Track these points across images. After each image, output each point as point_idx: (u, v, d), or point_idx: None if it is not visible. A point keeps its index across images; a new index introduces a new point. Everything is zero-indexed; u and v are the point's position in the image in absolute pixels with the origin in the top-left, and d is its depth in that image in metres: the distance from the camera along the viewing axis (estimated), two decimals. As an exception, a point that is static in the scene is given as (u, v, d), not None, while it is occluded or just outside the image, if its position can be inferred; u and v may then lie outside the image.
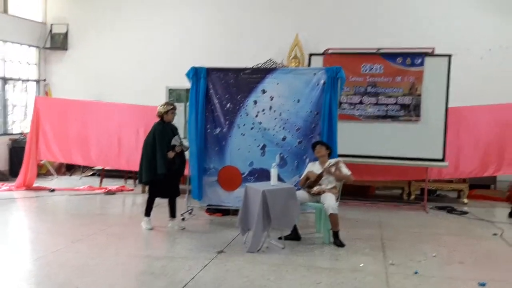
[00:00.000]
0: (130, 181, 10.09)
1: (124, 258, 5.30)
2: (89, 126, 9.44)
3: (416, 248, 5.85)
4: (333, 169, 6.07)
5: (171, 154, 6.29)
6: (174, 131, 6.53)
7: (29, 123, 9.69)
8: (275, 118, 6.94)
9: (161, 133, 6.34)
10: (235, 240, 6.00)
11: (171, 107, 6.47)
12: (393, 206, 8.35)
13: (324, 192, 6.07)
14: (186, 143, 6.54)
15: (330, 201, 5.90)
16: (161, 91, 8.98)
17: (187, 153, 6.75)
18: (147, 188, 9.03)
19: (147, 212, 6.55)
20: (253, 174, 6.94)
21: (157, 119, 6.50)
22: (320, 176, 6.09)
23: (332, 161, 6.22)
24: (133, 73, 11.01)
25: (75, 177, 10.87)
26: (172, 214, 6.64)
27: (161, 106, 6.51)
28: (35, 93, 11.57)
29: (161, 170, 6.22)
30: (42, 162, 10.42)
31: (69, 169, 11.22)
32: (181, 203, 7.10)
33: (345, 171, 6.14)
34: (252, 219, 5.64)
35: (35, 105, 9.54)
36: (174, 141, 6.36)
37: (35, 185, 9.35)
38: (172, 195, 6.61)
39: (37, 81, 11.72)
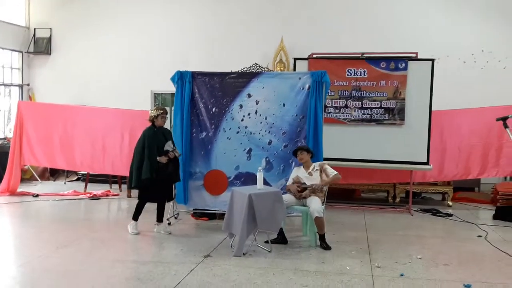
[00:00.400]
0: (115, 186, 9.99)
1: (110, 264, 5.25)
2: (73, 130, 9.35)
3: (402, 251, 5.88)
4: (317, 186, 6.09)
5: (163, 159, 6.24)
6: (166, 135, 6.47)
7: (13, 128, 9.58)
8: (261, 122, 6.96)
9: (150, 138, 6.29)
10: (221, 244, 5.98)
11: (161, 111, 6.40)
12: (378, 209, 8.40)
13: (310, 195, 6.09)
14: (169, 146, 6.46)
15: (315, 204, 5.91)
16: (146, 96, 8.95)
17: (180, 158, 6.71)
18: (132, 192, 9.08)
19: (135, 216, 6.50)
20: (239, 178, 6.95)
21: (148, 124, 6.43)
22: (303, 189, 6.10)
23: (316, 164, 6.25)
24: (117, 77, 10.93)
25: (59, 182, 10.75)
26: (159, 218, 6.60)
27: (152, 110, 6.47)
28: (18, 97, 11.42)
29: (146, 175, 6.16)
30: (26, 167, 10.30)
31: (53, 174, 11.10)
32: (167, 207, 7.05)
33: (331, 171, 6.17)
34: (238, 223, 5.62)
35: (18, 109, 9.42)
36: (167, 147, 6.31)
37: (19, 190, 9.23)
38: (163, 200, 6.56)
39: (21, 86, 11.57)
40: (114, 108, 9.41)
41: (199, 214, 7.37)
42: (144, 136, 6.33)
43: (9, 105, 11.40)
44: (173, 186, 6.75)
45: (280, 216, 5.76)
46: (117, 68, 10.98)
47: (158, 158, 6.23)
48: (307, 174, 6.24)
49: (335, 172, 6.17)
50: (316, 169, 6.20)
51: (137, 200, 6.49)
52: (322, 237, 5.92)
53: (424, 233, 6.86)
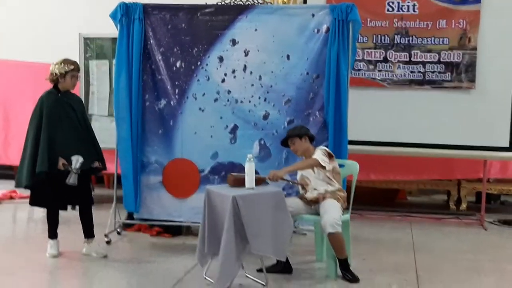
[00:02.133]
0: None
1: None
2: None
3: (470, 284, 5.88)
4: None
5: (60, 165, 6.20)
6: (75, 106, 6.41)
7: None
8: (252, 85, 6.95)
9: (51, 108, 6.24)
10: (190, 274, 5.98)
11: (72, 67, 6.35)
12: (433, 220, 8.43)
13: (324, 198, 6.06)
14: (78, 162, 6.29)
15: (330, 213, 5.87)
16: (72, 42, 8.84)
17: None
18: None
19: (52, 232, 6.48)
20: (218, 171, 6.96)
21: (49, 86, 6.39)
22: (262, 179, 6.06)
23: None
24: (26, 16, 10.81)
25: None
26: (88, 233, 6.58)
27: (55, 64, 6.40)
28: None
29: (42, 167, 6.10)
30: None
31: None
32: (106, 216, 7.01)
33: (313, 156, 6.14)
34: (217, 240, 5.59)
35: None
36: (75, 162, 6.18)
37: None
38: (80, 204, 6.55)
39: None
40: (19, 61, 9.35)
41: (155, 227, 7.39)
42: (41, 106, 6.28)
43: None
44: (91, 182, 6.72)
45: (282, 231, 5.73)
46: (25, 2, 10.84)
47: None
48: (310, 168, 6.23)
49: (314, 157, 6.10)
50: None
51: (30, 204, 6.49)
52: (343, 264, 5.91)
53: (503, 258, 6.88)
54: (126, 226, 7.54)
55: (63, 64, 6.35)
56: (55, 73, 6.34)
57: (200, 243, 5.83)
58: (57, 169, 6.14)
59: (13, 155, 9.38)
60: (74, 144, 6.27)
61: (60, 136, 6.22)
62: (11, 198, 9.27)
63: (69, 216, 6.75)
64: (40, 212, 8.51)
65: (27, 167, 6.20)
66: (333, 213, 5.88)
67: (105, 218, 7.14)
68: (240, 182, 5.85)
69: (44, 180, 6.16)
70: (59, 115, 6.27)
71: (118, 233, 7.36)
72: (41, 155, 6.12)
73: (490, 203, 9.21)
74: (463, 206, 8.94)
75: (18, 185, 6.56)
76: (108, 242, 6.92)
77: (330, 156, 6.12)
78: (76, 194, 6.39)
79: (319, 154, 6.07)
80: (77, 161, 6.16)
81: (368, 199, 8.67)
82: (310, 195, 6.16)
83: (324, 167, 6.01)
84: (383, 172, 8.69)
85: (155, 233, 7.40)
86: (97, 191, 9.34)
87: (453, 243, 7.42)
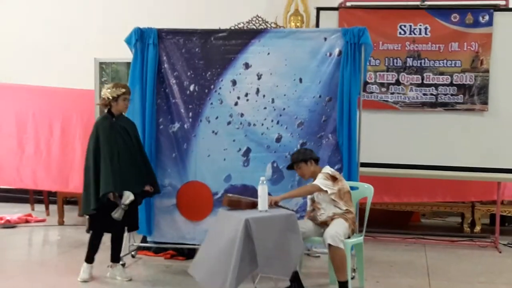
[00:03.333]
0: (40, 207, 10.00)
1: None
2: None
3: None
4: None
5: (111, 196, 6.20)
6: (129, 130, 6.44)
7: None
8: (265, 108, 6.96)
9: (107, 133, 6.26)
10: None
11: (123, 90, 6.37)
12: (447, 243, 8.38)
13: (333, 219, 6.05)
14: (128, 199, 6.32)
15: (333, 227, 5.87)
16: (88, 67, 8.90)
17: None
18: (67, 218, 9.06)
19: (90, 256, 6.46)
20: (231, 193, 6.87)
21: (95, 112, 6.43)
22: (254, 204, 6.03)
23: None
24: (43, 42, 10.89)
25: None
26: (115, 257, 6.60)
27: (107, 89, 6.44)
28: None
29: (107, 189, 6.11)
30: None
31: None
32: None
33: (314, 182, 6.12)
34: (227, 263, 5.56)
35: None
36: (125, 198, 6.20)
37: None
38: (122, 228, 6.55)
39: None
40: (36, 86, 9.41)
41: (170, 250, 7.39)
42: (97, 131, 6.30)
43: None
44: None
45: (294, 254, 5.72)
46: (42, 29, 10.93)
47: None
48: (310, 194, 6.27)
49: (314, 183, 6.08)
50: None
51: (88, 231, 6.45)
52: (342, 286, 5.88)
53: (519, 281, 6.86)
54: (141, 249, 7.53)
55: (114, 88, 6.38)
56: (108, 97, 6.35)
57: (198, 258, 5.85)
58: (115, 190, 6.17)
59: (26, 180, 9.39)
60: (128, 169, 6.31)
61: (116, 160, 6.23)
62: (27, 222, 9.29)
63: (84, 239, 6.75)
64: (55, 236, 8.56)
65: (93, 192, 6.18)
66: (336, 228, 5.87)
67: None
68: (235, 204, 5.89)
69: (106, 202, 6.18)
70: (115, 139, 6.30)
71: (133, 256, 7.35)
72: (104, 178, 6.13)
73: (505, 225, 9.14)
74: (477, 228, 8.87)
75: (85, 212, 6.52)
76: (123, 265, 6.90)
77: (334, 179, 6.09)
78: (127, 218, 6.39)
79: (321, 179, 6.05)
80: (127, 197, 6.21)
81: (381, 221, 8.63)
82: (320, 218, 6.16)
83: (326, 191, 6.02)
84: (397, 195, 8.65)
85: (169, 256, 7.39)
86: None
87: (468, 266, 7.36)
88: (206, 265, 5.75)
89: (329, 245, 5.75)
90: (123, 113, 6.50)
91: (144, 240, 7.41)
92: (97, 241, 6.45)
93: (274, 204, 5.92)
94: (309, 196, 6.36)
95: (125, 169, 6.28)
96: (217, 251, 5.69)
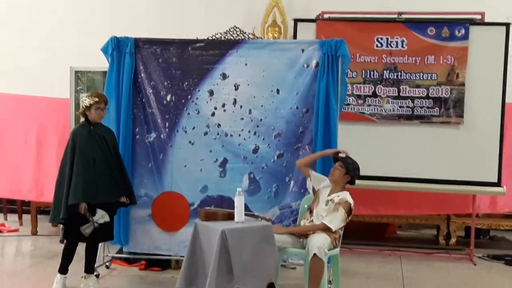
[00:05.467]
0: (14, 217, 9.91)
1: None
2: None
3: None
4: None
5: (82, 208, 6.13)
6: (107, 139, 6.39)
7: None
8: (242, 118, 6.96)
9: (84, 142, 6.21)
10: (178, 309, 5.92)
11: (96, 99, 6.30)
12: (423, 255, 8.40)
13: (314, 232, 6.04)
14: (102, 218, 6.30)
15: (318, 239, 5.85)
16: (63, 75, 8.86)
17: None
18: (40, 227, 8.97)
19: (63, 267, 6.38)
20: (208, 205, 6.89)
21: (70, 120, 6.39)
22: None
23: (341, 194, 6.17)
24: (18, 49, 10.81)
25: None
26: (89, 268, 6.53)
27: (84, 97, 6.42)
28: None
29: (74, 199, 6.05)
30: None
31: None
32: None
33: (330, 220, 6.02)
34: (204, 275, 5.56)
35: None
36: (99, 217, 6.17)
37: None
38: (97, 238, 6.47)
39: None
40: (11, 94, 9.36)
41: (144, 261, 7.33)
42: (74, 139, 6.26)
43: None
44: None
45: (269, 266, 5.71)
46: (16, 35, 10.85)
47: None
48: (325, 200, 6.23)
49: (328, 222, 5.98)
50: (336, 201, 6.14)
51: (62, 241, 6.38)
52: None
53: (493, 293, 6.87)
54: (115, 259, 7.46)
55: (88, 97, 6.34)
56: (82, 106, 6.35)
57: (182, 277, 5.80)
58: (84, 199, 6.09)
59: (1, 188, 9.34)
60: (104, 179, 6.25)
61: (92, 169, 6.18)
62: (0, 231, 9.21)
63: (57, 250, 6.69)
64: (28, 246, 8.48)
65: (64, 200, 6.10)
66: (323, 240, 5.84)
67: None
68: (211, 216, 5.89)
69: (74, 212, 6.11)
70: (92, 147, 6.25)
71: (107, 267, 7.29)
72: (74, 187, 6.07)
73: (480, 238, 9.18)
74: (453, 241, 8.90)
75: (53, 220, 6.49)
76: (97, 276, 6.84)
77: (350, 213, 6.10)
78: (101, 228, 6.30)
79: (341, 217, 5.98)
80: (102, 217, 6.17)
81: (357, 233, 8.63)
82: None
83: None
84: (373, 206, 8.65)
85: (144, 267, 7.33)
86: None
87: (443, 278, 7.38)
88: (196, 278, 5.75)
89: (314, 254, 5.73)
90: (98, 122, 6.43)
91: (120, 250, 7.36)
92: (71, 250, 6.38)
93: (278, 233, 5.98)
94: (305, 205, 6.38)
95: (100, 179, 6.23)
96: (201, 263, 5.71)
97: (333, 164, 6.38)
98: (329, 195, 6.21)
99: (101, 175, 6.24)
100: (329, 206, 6.13)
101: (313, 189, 6.41)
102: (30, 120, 9.09)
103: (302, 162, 6.53)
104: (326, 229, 5.95)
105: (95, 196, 6.17)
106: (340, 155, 6.32)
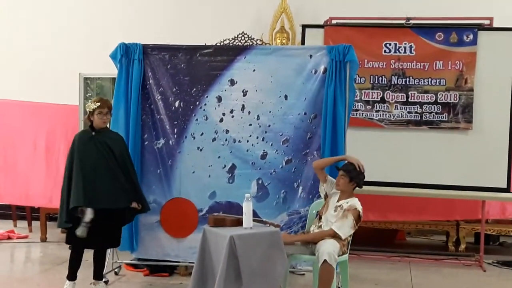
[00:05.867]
0: (23, 223, 9.93)
1: None
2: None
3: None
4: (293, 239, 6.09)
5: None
6: (111, 145, 6.33)
7: None
8: (250, 124, 6.96)
9: (83, 148, 6.21)
10: (187, 315, 5.92)
11: (98, 104, 6.27)
12: (432, 261, 8.36)
13: (323, 239, 6.03)
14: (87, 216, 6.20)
15: (328, 245, 5.83)
16: (72, 82, 8.88)
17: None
18: (50, 234, 8.98)
19: (71, 274, 6.38)
20: (216, 211, 6.87)
21: (79, 127, 6.40)
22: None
23: (350, 201, 6.15)
24: (27, 56, 10.85)
25: None
26: (98, 274, 6.53)
27: (88, 103, 6.43)
28: None
29: (76, 202, 6.04)
30: None
31: None
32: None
33: (339, 226, 5.98)
34: (213, 280, 5.56)
35: None
36: (86, 214, 6.10)
37: None
38: (103, 245, 6.48)
39: None
40: (20, 101, 9.36)
41: (153, 267, 7.32)
42: (74, 144, 6.28)
43: None
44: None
45: (277, 271, 5.70)
46: (25, 43, 10.90)
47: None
48: (334, 206, 6.21)
49: (337, 229, 5.95)
50: (344, 208, 6.13)
51: (67, 248, 6.37)
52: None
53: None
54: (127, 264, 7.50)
55: (92, 102, 6.33)
56: (86, 112, 6.38)
57: (193, 282, 5.81)
58: (84, 203, 6.08)
59: (8, 195, 9.40)
60: (104, 185, 6.20)
61: (91, 175, 6.16)
62: (9, 238, 9.22)
63: (66, 256, 6.68)
64: (38, 252, 8.49)
65: (65, 206, 6.13)
66: (333, 247, 5.82)
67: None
68: (220, 222, 5.87)
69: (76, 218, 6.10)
70: (90, 153, 6.23)
71: (116, 273, 7.29)
72: (73, 192, 6.07)
73: (489, 244, 9.13)
74: (462, 247, 8.86)
75: (59, 225, 6.58)
76: (106, 283, 6.84)
77: (359, 220, 6.06)
78: (104, 235, 6.32)
79: (350, 223, 5.95)
80: (87, 214, 6.09)
81: (366, 239, 8.60)
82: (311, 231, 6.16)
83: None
84: (382, 212, 8.63)
85: (148, 273, 7.33)
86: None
87: (452, 284, 7.36)
88: (206, 284, 5.75)
89: (324, 261, 5.71)
90: (102, 126, 6.37)
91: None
92: (77, 256, 6.38)
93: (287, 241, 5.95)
94: (314, 211, 6.35)
95: (100, 184, 6.19)
96: (210, 269, 5.70)
97: (360, 188, 6.35)
98: (338, 201, 6.19)
99: (101, 181, 6.20)
100: (338, 212, 6.11)
101: (326, 194, 6.39)
102: (39, 126, 9.10)
103: (320, 165, 6.44)
104: (334, 235, 5.93)
105: (94, 201, 6.14)
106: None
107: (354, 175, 6.17)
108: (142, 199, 6.56)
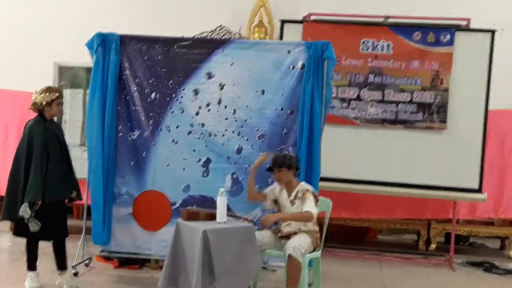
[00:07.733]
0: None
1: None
2: None
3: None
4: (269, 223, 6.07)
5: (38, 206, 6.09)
6: (59, 136, 6.38)
7: None
8: (226, 118, 6.95)
9: (42, 139, 6.14)
10: (158, 308, 5.89)
11: (57, 94, 6.29)
12: (403, 260, 8.42)
13: (296, 233, 6.03)
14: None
15: (296, 240, 5.85)
16: (46, 71, 8.80)
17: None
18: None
19: (31, 264, 6.35)
20: (190, 204, 6.86)
21: (34, 115, 6.30)
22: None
23: (300, 188, 6.17)
24: (2, 44, 10.73)
25: None
26: (61, 265, 6.49)
27: (39, 93, 6.30)
28: None
29: (35, 197, 6.01)
30: None
31: None
32: (73, 247, 6.94)
33: (307, 206, 6.00)
34: (185, 273, 5.53)
35: None
36: (23, 212, 6.03)
37: None
38: (56, 236, 6.44)
39: None
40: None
41: (124, 260, 7.29)
42: (30, 135, 6.18)
43: None
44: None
45: (251, 266, 5.70)
46: (1, 31, 10.77)
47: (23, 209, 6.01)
48: (289, 202, 6.20)
49: (308, 208, 5.97)
50: (299, 197, 6.13)
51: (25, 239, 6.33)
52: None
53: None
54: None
55: (47, 93, 6.26)
56: (40, 103, 6.24)
57: (164, 277, 5.80)
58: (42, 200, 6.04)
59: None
60: (57, 176, 6.20)
61: (52, 167, 6.15)
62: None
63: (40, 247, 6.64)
64: (7, 242, 8.41)
65: (20, 198, 6.05)
66: (300, 241, 5.85)
67: (73, 249, 7.00)
68: (193, 216, 5.87)
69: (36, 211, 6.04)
70: (48, 145, 6.19)
71: (86, 265, 7.24)
72: (33, 185, 6.02)
73: (459, 244, 9.20)
74: (433, 246, 8.92)
75: (7, 217, 6.44)
76: (76, 274, 6.81)
77: (316, 200, 6.08)
78: (53, 225, 6.27)
79: (312, 204, 5.95)
80: (23, 211, 6.01)
81: (338, 236, 8.64)
82: (284, 229, 6.15)
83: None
84: (354, 210, 8.67)
85: (117, 265, 7.32)
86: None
87: (422, 283, 7.41)
88: (177, 278, 5.74)
89: (289, 255, 5.72)
90: (53, 118, 6.43)
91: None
92: (33, 248, 6.35)
93: (265, 222, 5.97)
94: (271, 198, 6.35)
95: (54, 176, 6.18)
96: (182, 263, 5.69)
97: (300, 169, 6.45)
98: (289, 196, 6.21)
99: (55, 173, 6.20)
100: (296, 204, 6.13)
101: (275, 200, 6.38)
102: (11, 114, 9.01)
103: (250, 191, 6.48)
104: (311, 218, 5.91)
105: (49, 193, 6.12)
106: (266, 161, 6.32)
107: (287, 163, 6.18)
108: (78, 187, 6.57)
